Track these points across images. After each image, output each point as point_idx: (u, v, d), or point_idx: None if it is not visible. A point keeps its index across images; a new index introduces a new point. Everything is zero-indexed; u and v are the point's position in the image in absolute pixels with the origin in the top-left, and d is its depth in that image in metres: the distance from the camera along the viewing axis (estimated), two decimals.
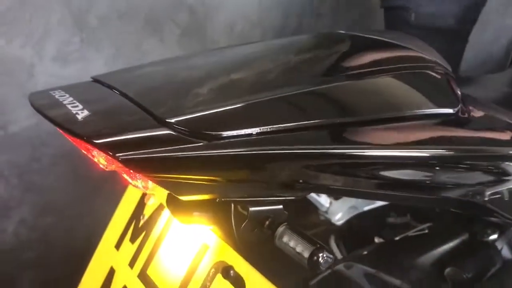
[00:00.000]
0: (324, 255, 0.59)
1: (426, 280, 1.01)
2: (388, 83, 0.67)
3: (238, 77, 0.64)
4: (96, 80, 0.63)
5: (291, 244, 0.60)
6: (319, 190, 0.66)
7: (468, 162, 0.68)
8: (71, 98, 0.56)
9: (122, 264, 0.69)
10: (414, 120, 0.63)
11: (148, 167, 0.51)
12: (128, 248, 0.70)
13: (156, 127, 0.52)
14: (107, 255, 0.73)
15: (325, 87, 0.62)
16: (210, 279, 0.60)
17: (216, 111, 0.55)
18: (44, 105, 0.55)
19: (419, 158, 0.63)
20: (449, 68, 0.74)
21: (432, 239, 1.02)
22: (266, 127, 0.55)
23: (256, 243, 0.62)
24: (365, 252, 1.08)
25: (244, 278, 0.57)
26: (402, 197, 0.70)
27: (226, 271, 0.60)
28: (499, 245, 1.02)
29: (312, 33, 0.86)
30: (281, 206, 0.63)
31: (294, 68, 0.68)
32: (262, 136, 0.55)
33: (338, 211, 1.05)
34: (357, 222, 1.12)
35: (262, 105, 0.57)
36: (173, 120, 0.52)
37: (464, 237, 1.02)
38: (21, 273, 1.48)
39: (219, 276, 0.59)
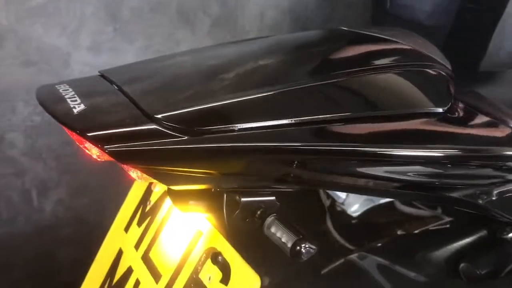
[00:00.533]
0: (306, 246, 0.61)
1: (441, 275, 1.01)
2: (379, 82, 0.67)
3: (228, 75, 0.66)
4: (102, 74, 0.68)
5: (278, 234, 0.62)
6: (310, 184, 0.68)
7: (455, 161, 0.67)
8: (73, 93, 0.59)
9: (129, 246, 0.73)
10: (402, 118, 0.64)
11: (134, 159, 0.54)
12: (135, 231, 0.74)
13: (143, 122, 0.55)
14: (117, 237, 0.78)
15: (313, 85, 0.63)
16: (201, 263, 0.63)
17: (200, 108, 0.57)
18: (46, 99, 0.58)
19: (404, 156, 0.63)
20: (449, 66, 0.73)
21: (450, 234, 1.02)
22: (248, 123, 0.57)
23: (246, 232, 0.65)
24: (380, 244, 1.09)
25: (230, 264, 0.60)
26: (392, 192, 0.71)
27: (215, 257, 0.63)
28: None
29: (314, 30, 0.87)
30: (273, 198, 0.66)
31: (285, 65, 0.70)
32: (244, 132, 0.57)
33: (354, 202, 1.06)
34: (374, 214, 1.12)
35: (246, 102, 0.59)
36: (159, 116, 0.55)
37: (483, 233, 1.01)
38: (58, 249, 1.58)
39: (208, 261, 0.62)
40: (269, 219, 0.64)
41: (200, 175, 0.59)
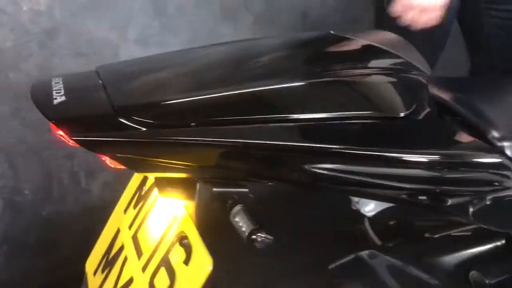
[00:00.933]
0: (262, 235, 0.65)
1: (450, 281, 1.01)
2: (343, 84, 0.69)
3: (199, 75, 0.70)
4: (96, 70, 0.72)
5: (240, 223, 0.66)
6: (271, 181, 0.70)
7: (408, 165, 0.67)
8: (61, 86, 0.64)
9: (125, 226, 0.79)
10: (359, 120, 0.65)
11: (99, 147, 0.60)
12: (131, 212, 0.79)
13: (109, 115, 0.60)
14: (117, 217, 0.84)
15: (276, 87, 0.66)
16: (172, 245, 0.68)
17: (160, 103, 0.62)
18: (35, 91, 0.65)
19: (359, 156, 0.64)
20: (427, 71, 0.72)
21: (465, 240, 1.02)
22: (205, 120, 0.61)
23: (214, 220, 0.69)
24: (392, 244, 1.10)
25: (192, 248, 0.65)
26: (353, 191, 0.73)
27: (182, 240, 0.67)
28: None
29: (298, 33, 0.88)
30: (246, 190, 0.69)
31: (252, 67, 0.73)
32: (200, 128, 0.61)
33: (369, 202, 1.08)
34: (390, 215, 1.14)
35: (205, 100, 0.63)
36: (123, 110, 0.60)
37: (499, 243, 1.00)
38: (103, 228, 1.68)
39: (177, 244, 0.68)
40: (236, 209, 0.68)
41: (163, 165, 0.63)
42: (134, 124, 0.59)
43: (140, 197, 0.81)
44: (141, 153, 0.62)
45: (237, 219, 0.67)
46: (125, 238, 0.76)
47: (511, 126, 0.69)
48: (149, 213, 0.73)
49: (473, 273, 0.96)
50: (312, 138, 0.62)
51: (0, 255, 1.54)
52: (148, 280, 0.66)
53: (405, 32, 1.25)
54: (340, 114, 0.64)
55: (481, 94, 0.79)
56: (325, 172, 0.66)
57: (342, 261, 1.09)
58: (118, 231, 0.79)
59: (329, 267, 1.08)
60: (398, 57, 0.71)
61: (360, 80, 0.68)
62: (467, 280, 0.97)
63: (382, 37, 0.79)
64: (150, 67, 0.74)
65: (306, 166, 0.66)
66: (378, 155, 0.63)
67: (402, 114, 0.66)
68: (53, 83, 0.64)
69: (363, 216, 1.14)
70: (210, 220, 0.68)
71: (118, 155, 0.61)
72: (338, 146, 0.62)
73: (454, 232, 1.07)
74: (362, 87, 0.68)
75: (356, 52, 0.75)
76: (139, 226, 0.74)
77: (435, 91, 0.73)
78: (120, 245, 0.77)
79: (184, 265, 0.63)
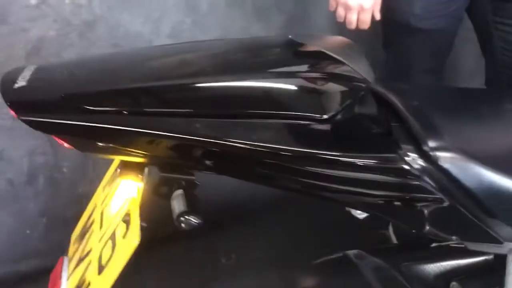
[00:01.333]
0: (189, 218, 0.70)
1: None
2: (271, 85, 0.71)
3: (138, 69, 0.74)
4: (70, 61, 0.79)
5: (176, 206, 0.72)
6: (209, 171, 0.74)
7: (325, 165, 0.69)
8: (29, 73, 0.70)
9: (99, 202, 0.85)
10: (282, 119, 0.67)
11: (44, 128, 0.67)
12: (106, 190, 0.84)
13: (54, 100, 0.66)
14: (97, 194, 0.90)
15: (206, 84, 0.69)
16: (119, 222, 0.73)
17: (94, 91, 0.68)
18: (6, 76, 0.70)
19: (279, 152, 0.66)
20: (370, 78, 0.73)
21: (450, 252, 1.00)
22: (137, 108, 0.66)
23: (156, 202, 0.74)
24: (380, 247, 1.10)
25: (130, 225, 0.70)
26: (277, 185, 0.75)
27: (126, 217, 0.72)
28: None
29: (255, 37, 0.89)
30: (193, 177, 0.74)
31: (190, 64, 0.76)
32: (130, 116, 0.65)
33: None
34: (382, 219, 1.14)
35: (138, 91, 0.68)
36: (65, 95, 0.66)
37: (485, 256, 0.98)
38: None
39: (122, 220, 0.73)
40: (176, 193, 0.73)
41: (101, 147, 0.69)
42: (72, 109, 0.65)
43: (115, 175, 0.88)
44: (81, 134, 0.67)
45: (174, 202, 0.72)
46: (96, 213, 0.83)
47: (443, 136, 0.69)
48: (114, 192, 0.80)
49: (453, 285, 0.95)
50: (238, 133, 0.66)
51: (40, 226, 1.68)
52: (99, 251, 0.73)
53: (404, 34, 1.25)
54: (268, 113, 0.67)
55: (430, 103, 0.79)
56: (252, 167, 0.70)
57: (326, 258, 1.11)
58: (95, 207, 0.87)
59: (313, 263, 1.11)
60: (340, 63, 0.72)
61: (292, 82, 0.71)
62: None
63: (335, 43, 0.80)
64: (112, 62, 0.80)
65: (235, 160, 0.70)
66: (295, 151, 0.65)
67: (325, 116, 0.68)
68: (24, 70, 0.72)
69: (355, 218, 1.16)
70: (154, 202, 0.74)
71: (61, 136, 0.68)
72: (262, 143, 0.65)
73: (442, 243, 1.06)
74: (292, 88, 0.71)
75: (299, 56, 0.77)
76: (106, 203, 0.81)
77: (377, 96, 0.76)
78: (92, 219, 0.84)
79: (122, 239, 0.69)
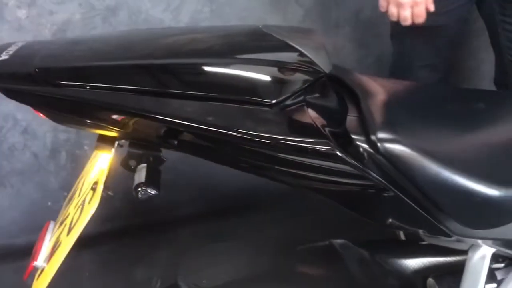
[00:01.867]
0: (144, 188, 0.75)
1: (408, 284, 1.01)
2: (224, 68, 0.74)
3: (107, 49, 0.78)
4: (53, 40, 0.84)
5: (137, 178, 0.76)
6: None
7: (271, 148, 0.72)
8: (16, 48, 0.74)
9: (85, 172, 0.90)
10: (229, 102, 0.70)
11: (18, 97, 0.71)
12: (92, 162, 0.87)
13: (29, 72, 0.70)
14: (87, 167, 0.92)
15: (163, 63, 0.72)
16: (88, 190, 0.79)
17: (64, 66, 0.72)
18: None
19: (225, 134, 0.69)
20: (326, 69, 0.74)
21: (432, 248, 1.01)
22: (99, 84, 0.69)
23: (124, 173, 0.79)
24: (367, 239, 1.11)
25: (95, 192, 0.76)
26: (234, 164, 0.77)
27: (94, 185, 0.77)
28: (499, 274, 0.96)
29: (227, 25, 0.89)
30: (160, 153, 0.78)
31: (156, 46, 0.78)
32: (94, 90, 0.69)
33: None
34: None
35: (99, 67, 0.71)
36: (39, 69, 0.70)
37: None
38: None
39: (90, 189, 0.78)
40: (141, 166, 0.77)
41: (72, 119, 0.75)
42: (44, 82, 0.70)
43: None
44: (53, 107, 0.72)
45: (136, 174, 0.77)
46: (79, 182, 0.90)
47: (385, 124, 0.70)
48: (94, 164, 0.86)
49: (429, 280, 0.95)
50: (191, 114, 0.69)
51: (61, 200, 1.78)
52: (72, 215, 0.79)
53: (408, 30, 1.25)
54: (216, 95, 0.70)
55: (396, 98, 0.79)
56: (207, 146, 0.74)
57: (312, 245, 1.14)
58: (82, 177, 0.93)
59: (297, 249, 1.13)
60: (299, 52, 0.74)
61: (244, 68, 0.73)
62: (424, 286, 0.98)
63: (299, 34, 0.82)
64: (94, 41, 0.85)
65: (193, 139, 0.74)
66: (245, 134, 0.68)
67: (274, 101, 0.70)
68: (12, 46, 0.78)
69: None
70: (122, 173, 0.79)
71: (35, 107, 0.74)
72: (212, 125, 0.68)
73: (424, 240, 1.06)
74: (243, 73, 0.73)
75: (259, 44, 0.79)
76: (87, 173, 0.87)
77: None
78: (76, 187, 0.91)
79: (87, 204, 0.75)
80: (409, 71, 1.44)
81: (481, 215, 0.71)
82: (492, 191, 0.68)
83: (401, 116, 0.75)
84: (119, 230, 1.83)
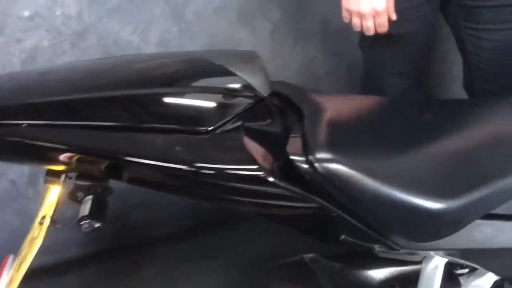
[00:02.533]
0: (88, 222, 0.75)
1: None
2: (158, 97, 0.73)
3: (42, 85, 0.77)
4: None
5: (81, 210, 0.76)
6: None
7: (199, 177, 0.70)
8: None
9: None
10: (167, 133, 0.69)
11: None
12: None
13: None
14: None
15: (100, 96, 0.72)
16: (38, 223, 0.80)
17: (13, 104, 0.72)
18: None
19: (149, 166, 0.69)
20: (264, 92, 0.73)
21: (397, 260, 1.01)
22: (33, 121, 0.69)
23: (72, 204, 0.78)
24: (336, 253, 1.11)
25: (42, 226, 0.77)
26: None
27: (42, 219, 0.78)
28: (463, 279, 0.96)
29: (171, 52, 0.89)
30: (107, 183, 0.77)
31: (93, 78, 0.78)
32: (30, 128, 0.69)
33: None
34: None
35: (36, 105, 0.71)
36: None
37: None
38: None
39: (39, 222, 0.80)
40: (86, 198, 0.77)
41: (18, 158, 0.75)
42: None
43: None
44: None
45: (82, 206, 0.77)
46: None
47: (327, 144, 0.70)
48: (47, 198, 0.86)
49: None
50: (124, 147, 0.68)
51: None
52: (23, 250, 0.80)
53: (376, 39, 1.25)
54: (152, 126, 0.70)
55: (339, 115, 0.80)
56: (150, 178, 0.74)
57: (282, 261, 1.14)
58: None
59: (269, 266, 1.14)
60: (235, 77, 0.73)
61: (177, 95, 0.72)
62: None
63: (238, 58, 0.82)
64: (20, 78, 0.85)
65: (131, 171, 0.74)
66: (180, 164, 0.68)
67: (209, 128, 0.69)
68: None
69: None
70: (69, 204, 0.80)
71: None
72: (149, 158, 0.68)
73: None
74: (180, 102, 0.73)
75: (195, 70, 0.78)
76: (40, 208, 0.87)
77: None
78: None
79: (35, 239, 0.75)
80: (379, 79, 1.44)
81: (424, 228, 0.71)
82: (431, 204, 0.68)
83: (344, 134, 0.75)
84: (102, 251, 1.83)
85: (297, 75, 1.77)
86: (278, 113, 0.79)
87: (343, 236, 0.80)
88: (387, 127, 0.80)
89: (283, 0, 1.65)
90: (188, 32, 1.60)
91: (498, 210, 0.74)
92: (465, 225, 0.71)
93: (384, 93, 1.44)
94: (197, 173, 0.68)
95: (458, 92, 1.53)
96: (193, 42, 1.61)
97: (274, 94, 0.83)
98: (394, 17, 1.21)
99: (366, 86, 1.53)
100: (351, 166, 0.69)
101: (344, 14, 1.25)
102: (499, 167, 0.73)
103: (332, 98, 0.87)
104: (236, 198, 0.75)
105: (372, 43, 1.34)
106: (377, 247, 0.85)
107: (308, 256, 1.11)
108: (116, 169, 0.74)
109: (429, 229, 0.71)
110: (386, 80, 1.41)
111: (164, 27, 1.58)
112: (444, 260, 0.79)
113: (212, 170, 0.68)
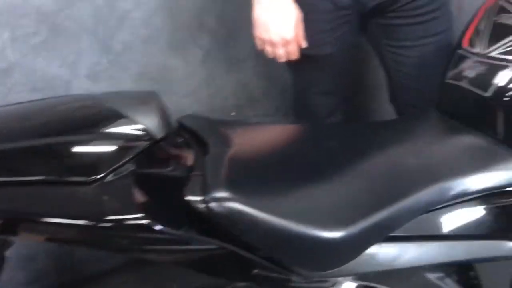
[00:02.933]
0: None
1: None
2: (44, 148, 0.70)
3: None
4: None
5: None
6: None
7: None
8: None
9: None
10: (48, 185, 0.66)
11: None
12: None
13: None
14: None
15: None
16: None
17: None
18: None
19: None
20: (158, 134, 0.72)
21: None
22: None
23: None
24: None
25: None
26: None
27: None
28: None
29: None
30: (5, 237, 0.75)
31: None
32: None
33: None
34: None
35: None
36: None
37: None
38: None
39: None
40: None
41: None
42: None
43: None
44: None
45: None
46: None
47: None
48: None
49: None
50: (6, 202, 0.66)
51: None
52: None
53: (301, 60, 1.27)
54: (32, 179, 0.67)
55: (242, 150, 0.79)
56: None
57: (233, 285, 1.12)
58: None
59: None
60: (127, 120, 0.72)
61: (64, 144, 0.70)
62: None
63: (133, 99, 0.80)
64: None
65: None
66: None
67: (98, 177, 0.67)
68: None
69: None
70: None
71: None
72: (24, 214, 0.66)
73: None
74: (62, 151, 0.71)
75: (84, 115, 0.76)
76: None
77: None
78: None
79: None
80: (308, 99, 1.46)
81: (322, 257, 0.71)
82: (325, 234, 0.68)
83: (246, 169, 0.75)
84: None
85: (233, 100, 1.77)
86: (179, 152, 0.78)
87: (256, 271, 0.79)
88: (293, 158, 0.81)
89: (214, 26, 1.65)
90: (118, 63, 1.58)
91: (400, 232, 0.75)
92: (364, 250, 0.71)
93: (314, 112, 1.46)
94: (81, 226, 0.65)
95: (390, 106, 1.55)
96: (124, 72, 1.60)
97: (182, 129, 0.82)
98: (304, 44, 1.24)
99: (298, 106, 1.54)
100: (245, 203, 0.68)
101: (257, 42, 1.28)
102: (396, 191, 0.74)
103: (245, 131, 0.87)
104: (134, 248, 0.73)
105: (297, 64, 1.36)
106: (293, 278, 0.84)
107: (241, 284, 1.09)
108: (10, 224, 0.71)
109: (327, 258, 0.71)
110: (314, 99, 1.43)
111: (93, 59, 1.56)
112: (354, 284, 0.79)
113: (94, 221, 0.66)
